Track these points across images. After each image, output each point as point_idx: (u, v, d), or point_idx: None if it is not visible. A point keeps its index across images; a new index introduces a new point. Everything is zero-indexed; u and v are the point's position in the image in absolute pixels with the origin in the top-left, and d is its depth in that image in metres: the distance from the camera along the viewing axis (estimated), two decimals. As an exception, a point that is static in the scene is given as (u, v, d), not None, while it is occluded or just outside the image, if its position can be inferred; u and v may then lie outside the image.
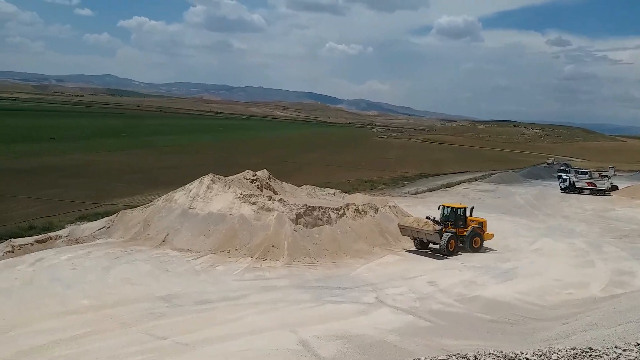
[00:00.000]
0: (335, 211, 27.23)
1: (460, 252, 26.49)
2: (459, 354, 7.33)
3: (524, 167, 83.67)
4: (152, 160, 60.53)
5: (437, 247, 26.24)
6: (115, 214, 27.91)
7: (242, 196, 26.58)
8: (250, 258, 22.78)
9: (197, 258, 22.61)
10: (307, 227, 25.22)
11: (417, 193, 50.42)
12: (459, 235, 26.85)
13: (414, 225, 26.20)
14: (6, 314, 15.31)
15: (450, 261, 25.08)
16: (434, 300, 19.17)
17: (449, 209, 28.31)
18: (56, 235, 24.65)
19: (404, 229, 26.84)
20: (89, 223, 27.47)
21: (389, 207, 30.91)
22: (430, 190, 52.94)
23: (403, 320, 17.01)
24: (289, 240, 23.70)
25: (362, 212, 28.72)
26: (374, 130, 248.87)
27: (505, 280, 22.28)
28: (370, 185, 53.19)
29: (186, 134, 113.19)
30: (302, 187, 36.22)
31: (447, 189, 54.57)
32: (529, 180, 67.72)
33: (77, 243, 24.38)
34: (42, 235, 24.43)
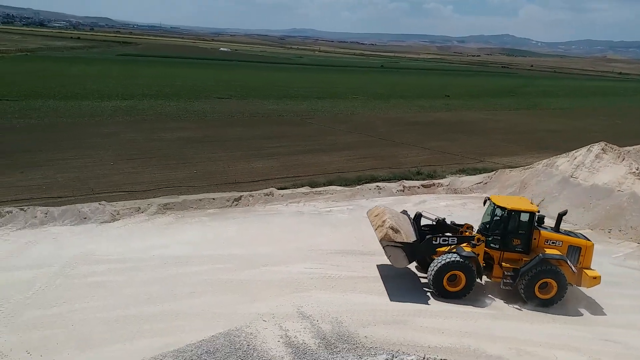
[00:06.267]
0: None
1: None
2: None
3: None
4: (537, 122, 58.36)
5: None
6: (494, 172, 28.72)
7: (637, 171, 22.86)
8: (637, 244, 19.65)
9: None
10: None
11: None
12: (502, 266, 14.63)
13: (374, 222, 15.34)
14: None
15: None
16: None
17: (500, 210, 14.94)
18: (439, 183, 27.39)
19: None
20: (467, 176, 29.28)
21: None
22: None
23: None
24: (695, 234, 19.21)
25: None
26: None
27: None
28: None
29: (579, 97, 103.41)
30: None
31: None
32: None
33: (455, 193, 26.45)
34: (427, 181, 27.61)
